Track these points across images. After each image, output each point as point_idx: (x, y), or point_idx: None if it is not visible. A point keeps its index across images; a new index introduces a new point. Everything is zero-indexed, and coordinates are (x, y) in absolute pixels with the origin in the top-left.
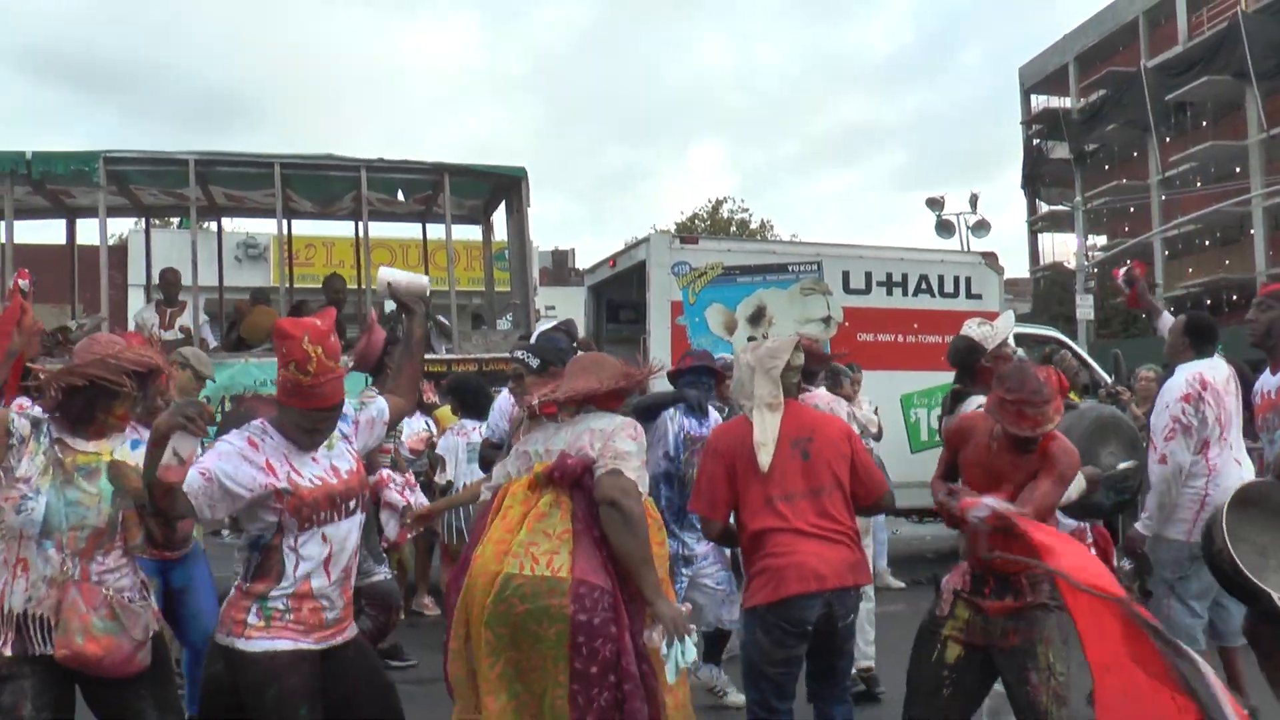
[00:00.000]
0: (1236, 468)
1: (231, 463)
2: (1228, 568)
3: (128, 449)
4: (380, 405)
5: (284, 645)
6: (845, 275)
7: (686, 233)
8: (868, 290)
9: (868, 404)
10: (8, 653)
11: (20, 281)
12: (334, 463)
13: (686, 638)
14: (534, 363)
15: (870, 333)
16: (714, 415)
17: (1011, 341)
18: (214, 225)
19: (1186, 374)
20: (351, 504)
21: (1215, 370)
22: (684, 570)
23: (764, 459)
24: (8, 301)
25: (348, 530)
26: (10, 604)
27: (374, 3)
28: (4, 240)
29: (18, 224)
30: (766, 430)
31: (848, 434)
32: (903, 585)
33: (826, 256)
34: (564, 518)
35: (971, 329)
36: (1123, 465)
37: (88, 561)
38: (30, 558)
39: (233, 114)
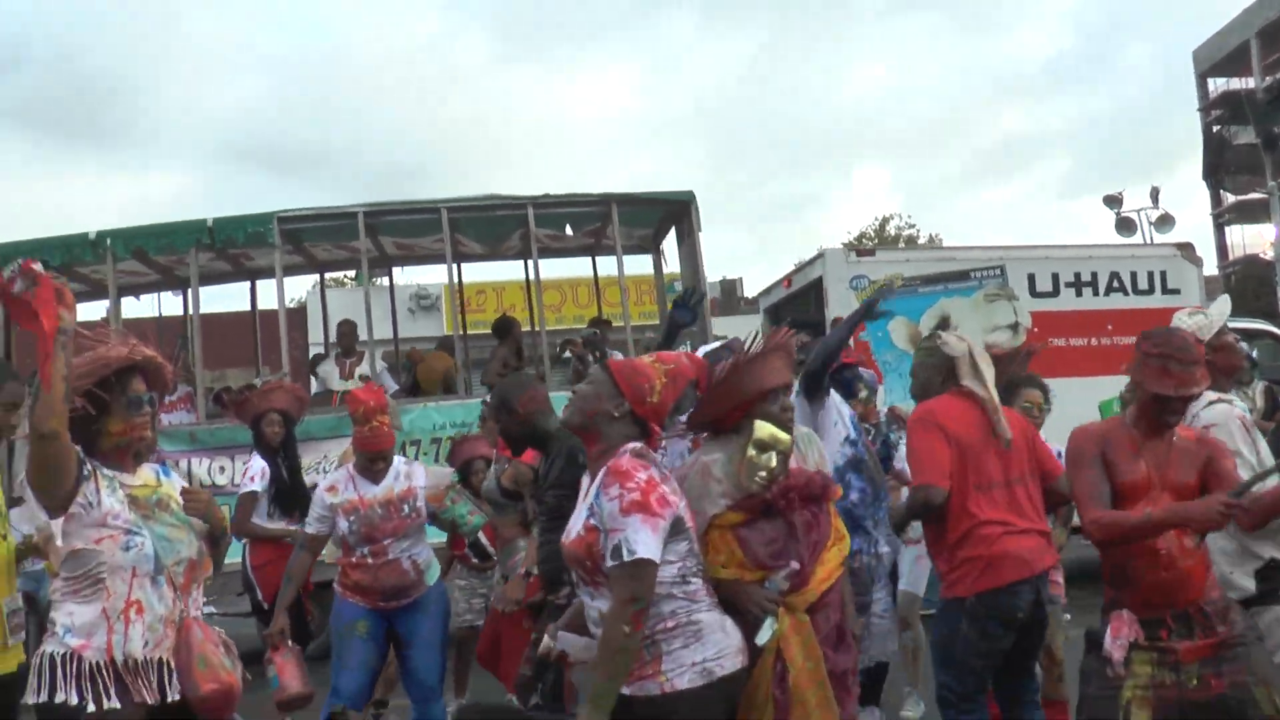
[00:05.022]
0: None
1: None
2: None
3: (171, 480)
4: None
5: None
6: (1031, 278)
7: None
8: (1056, 293)
9: None
10: (113, 705)
11: (34, 266)
12: None
13: None
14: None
15: (1062, 337)
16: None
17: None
18: (385, 280)
19: None
20: None
21: None
22: (880, 585)
23: (1006, 433)
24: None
25: None
26: (128, 651)
27: (543, 60)
28: (193, 310)
29: (202, 290)
30: (1000, 408)
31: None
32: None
33: (1010, 260)
34: None
35: (1182, 320)
36: None
37: (188, 596)
38: (145, 598)
39: (411, 181)
